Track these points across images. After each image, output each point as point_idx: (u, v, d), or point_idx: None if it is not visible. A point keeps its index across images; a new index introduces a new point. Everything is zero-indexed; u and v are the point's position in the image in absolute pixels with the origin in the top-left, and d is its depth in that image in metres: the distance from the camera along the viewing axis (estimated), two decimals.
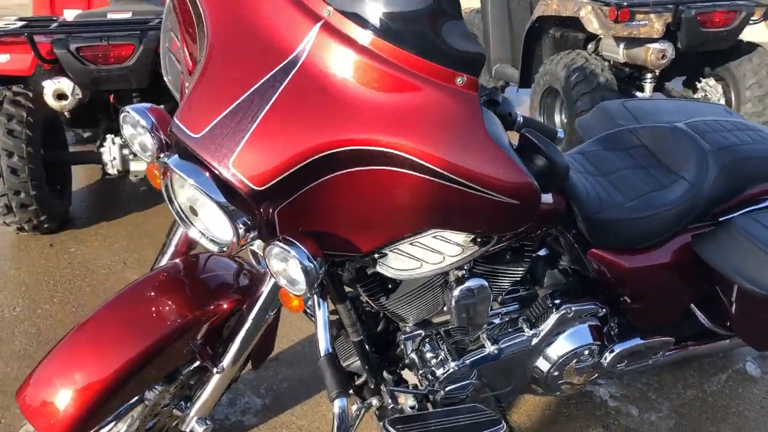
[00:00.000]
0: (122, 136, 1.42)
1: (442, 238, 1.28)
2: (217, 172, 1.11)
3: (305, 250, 1.15)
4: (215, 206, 1.14)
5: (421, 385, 1.74)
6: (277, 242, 1.17)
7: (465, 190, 1.13)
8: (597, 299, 1.82)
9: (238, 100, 1.12)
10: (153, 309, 1.36)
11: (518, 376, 1.83)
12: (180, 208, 1.26)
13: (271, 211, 1.15)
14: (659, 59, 3.72)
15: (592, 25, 3.76)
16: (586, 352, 1.81)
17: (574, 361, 1.81)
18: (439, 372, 1.71)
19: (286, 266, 1.20)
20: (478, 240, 1.28)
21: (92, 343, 1.31)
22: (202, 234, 1.26)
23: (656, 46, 3.69)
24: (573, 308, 1.78)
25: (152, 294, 1.38)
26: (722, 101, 4.05)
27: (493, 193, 1.15)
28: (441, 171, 1.11)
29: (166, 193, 1.25)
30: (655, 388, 2.30)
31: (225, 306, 1.46)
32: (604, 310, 1.83)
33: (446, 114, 1.11)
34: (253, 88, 1.12)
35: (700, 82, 4.21)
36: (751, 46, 4.01)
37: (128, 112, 1.31)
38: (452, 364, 1.70)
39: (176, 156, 1.18)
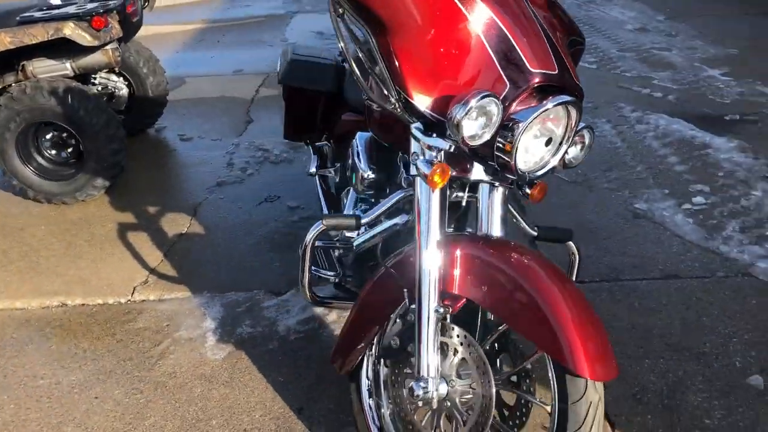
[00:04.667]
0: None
1: None
2: (574, 89, 1.48)
3: None
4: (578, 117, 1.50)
5: None
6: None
7: None
8: None
9: (545, 40, 1.50)
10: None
11: None
12: (516, 159, 1.46)
13: None
14: (117, 56, 3.91)
15: (86, 39, 3.71)
16: None
17: None
18: None
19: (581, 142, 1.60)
20: None
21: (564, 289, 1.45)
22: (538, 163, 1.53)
23: (113, 45, 3.84)
24: None
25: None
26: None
27: None
28: None
29: (505, 157, 1.45)
30: None
31: None
32: None
33: None
34: (537, 27, 1.52)
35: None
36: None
37: (477, 100, 1.40)
38: None
39: (529, 101, 1.45)
